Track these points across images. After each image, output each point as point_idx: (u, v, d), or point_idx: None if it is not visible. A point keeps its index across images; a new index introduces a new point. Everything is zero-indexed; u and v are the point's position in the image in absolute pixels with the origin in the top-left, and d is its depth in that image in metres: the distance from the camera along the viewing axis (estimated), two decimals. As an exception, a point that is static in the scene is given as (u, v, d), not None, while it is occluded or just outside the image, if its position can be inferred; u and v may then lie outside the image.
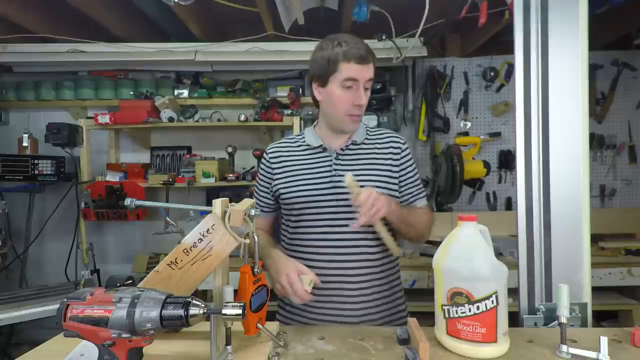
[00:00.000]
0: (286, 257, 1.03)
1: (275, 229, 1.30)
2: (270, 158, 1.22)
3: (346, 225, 1.10)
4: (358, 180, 1.11)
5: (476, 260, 0.81)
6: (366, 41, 1.12)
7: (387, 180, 1.15)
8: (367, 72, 1.09)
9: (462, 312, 0.80)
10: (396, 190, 1.17)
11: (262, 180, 1.24)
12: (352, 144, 1.17)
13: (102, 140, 2.95)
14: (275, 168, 1.20)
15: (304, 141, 1.21)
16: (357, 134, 1.19)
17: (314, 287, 0.98)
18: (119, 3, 2.41)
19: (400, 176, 1.18)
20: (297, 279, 0.96)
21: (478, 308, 0.79)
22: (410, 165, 1.20)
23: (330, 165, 1.15)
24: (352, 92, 1.09)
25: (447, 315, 0.83)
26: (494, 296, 0.78)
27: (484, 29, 2.43)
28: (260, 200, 1.24)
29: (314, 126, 1.24)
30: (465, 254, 0.83)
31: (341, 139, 1.18)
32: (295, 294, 0.95)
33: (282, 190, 1.17)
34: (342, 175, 1.12)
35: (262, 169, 1.24)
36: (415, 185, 1.22)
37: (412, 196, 1.21)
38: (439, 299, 0.85)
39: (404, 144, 1.21)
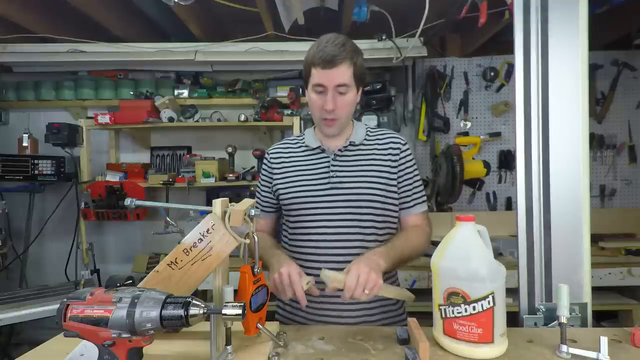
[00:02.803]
0: (288, 258, 1.05)
1: (276, 228, 1.30)
2: (271, 159, 1.24)
3: (344, 227, 1.10)
4: (357, 182, 1.11)
5: (473, 260, 0.81)
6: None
7: (386, 182, 1.12)
8: (334, 77, 1.04)
9: (458, 312, 0.80)
10: (395, 192, 1.14)
11: (263, 180, 1.26)
12: (351, 144, 1.16)
13: (102, 140, 2.95)
14: (275, 168, 1.22)
15: (304, 142, 1.22)
16: (355, 134, 1.18)
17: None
18: (119, 3, 2.40)
19: (398, 177, 1.14)
20: (298, 277, 0.95)
21: (474, 308, 0.79)
22: (409, 167, 1.16)
23: (328, 166, 1.15)
24: (322, 97, 1.08)
25: (443, 315, 0.83)
26: (490, 297, 0.78)
27: (484, 29, 2.43)
28: (263, 200, 1.25)
29: (314, 127, 1.24)
30: (462, 254, 0.82)
31: (339, 140, 1.18)
32: (292, 285, 0.94)
33: (281, 190, 1.18)
34: (340, 176, 1.12)
35: (263, 169, 1.27)
36: (415, 188, 1.17)
37: (412, 200, 1.16)
38: (436, 298, 0.85)
39: (404, 144, 1.17)
